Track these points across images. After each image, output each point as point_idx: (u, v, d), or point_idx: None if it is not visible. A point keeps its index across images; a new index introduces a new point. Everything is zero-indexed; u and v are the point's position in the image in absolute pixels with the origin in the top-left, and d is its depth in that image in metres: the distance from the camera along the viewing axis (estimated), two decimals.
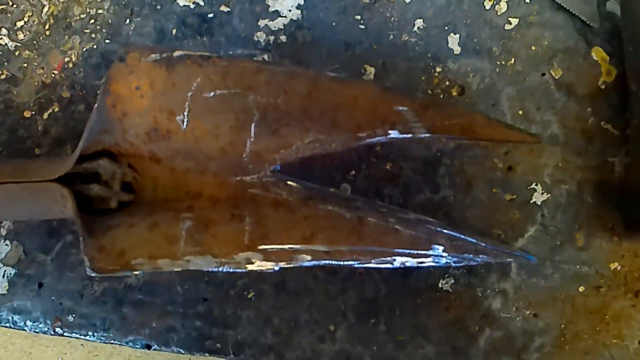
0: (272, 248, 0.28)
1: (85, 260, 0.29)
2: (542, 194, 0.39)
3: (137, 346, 0.41)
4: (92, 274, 0.29)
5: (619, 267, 0.37)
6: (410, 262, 0.31)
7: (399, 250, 0.31)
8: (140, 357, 1.48)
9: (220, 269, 0.28)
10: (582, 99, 0.40)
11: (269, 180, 0.31)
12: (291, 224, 0.29)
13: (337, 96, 0.30)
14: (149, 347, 0.41)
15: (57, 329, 0.42)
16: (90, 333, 0.41)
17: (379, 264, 0.30)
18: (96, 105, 0.30)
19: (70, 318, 0.42)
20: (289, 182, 0.31)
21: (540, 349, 0.37)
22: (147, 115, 0.30)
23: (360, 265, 0.30)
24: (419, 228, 0.31)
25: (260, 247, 0.28)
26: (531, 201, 0.39)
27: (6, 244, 0.44)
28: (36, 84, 0.45)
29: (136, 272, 0.30)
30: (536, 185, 0.39)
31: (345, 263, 0.29)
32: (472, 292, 0.38)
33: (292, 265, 0.29)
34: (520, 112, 0.40)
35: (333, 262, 0.29)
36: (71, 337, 0.42)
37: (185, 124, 0.30)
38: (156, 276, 0.41)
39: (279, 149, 0.30)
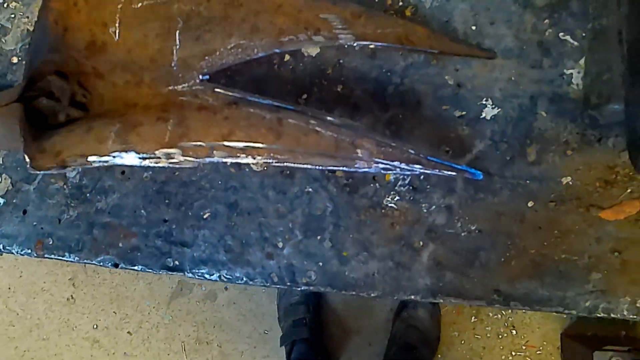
0: (191, 145, 0.30)
1: (25, 158, 0.31)
2: (493, 108, 0.38)
3: (108, 265, 0.44)
4: (32, 171, 0.31)
5: (572, 181, 0.36)
6: (335, 165, 0.32)
7: (319, 152, 0.31)
8: (167, 324, 1.54)
9: (142, 163, 0.30)
10: (539, 11, 0.38)
11: (198, 88, 0.32)
12: (211, 123, 0.30)
13: (259, 3, 0.31)
14: (116, 265, 0.44)
15: (39, 252, 0.45)
16: (66, 254, 0.45)
17: (301, 164, 0.31)
18: (37, 20, 0.32)
19: (50, 241, 0.45)
20: (216, 90, 0.32)
21: (485, 264, 0.36)
22: (85, 29, 0.32)
23: (279, 164, 0.31)
24: (342, 131, 0.31)
25: (179, 144, 0.30)
26: (481, 117, 0.38)
27: None
28: (22, 31, 0.49)
29: (70, 168, 0.33)
30: (487, 100, 0.38)
31: (263, 160, 0.30)
32: (417, 207, 0.38)
33: (210, 161, 0.30)
34: (474, 28, 0.39)
35: (249, 159, 0.30)
36: (51, 258, 0.45)
37: (117, 35, 0.32)
38: (123, 200, 0.43)
39: (203, 56, 0.31)
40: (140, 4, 0.31)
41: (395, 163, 0.33)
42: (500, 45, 0.38)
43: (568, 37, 0.37)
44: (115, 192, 0.44)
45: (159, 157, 0.30)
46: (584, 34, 0.37)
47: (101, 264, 0.44)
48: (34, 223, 0.46)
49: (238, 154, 0.30)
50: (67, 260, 0.45)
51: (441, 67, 0.39)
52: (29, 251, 0.46)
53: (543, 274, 0.35)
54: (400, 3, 0.40)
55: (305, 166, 0.31)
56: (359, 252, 0.38)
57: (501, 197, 0.37)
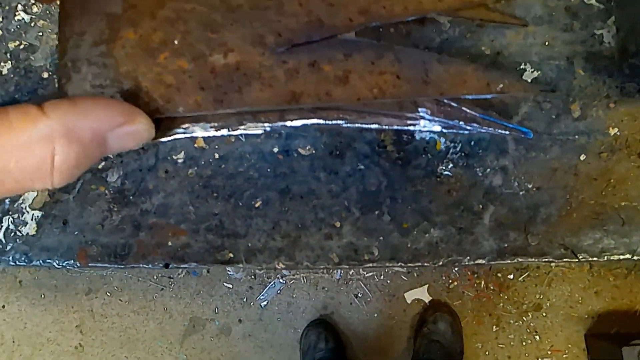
0: (261, 109, 0.30)
1: None
2: (532, 72, 0.39)
3: (158, 266, 0.43)
4: None
5: (619, 131, 0.37)
6: (399, 125, 0.32)
7: (384, 111, 0.32)
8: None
9: (213, 134, 0.30)
10: None
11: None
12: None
13: None
14: (167, 265, 0.43)
15: (82, 261, 0.44)
16: (112, 260, 0.44)
17: (365, 124, 0.31)
18: None
19: (94, 249, 0.44)
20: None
21: (547, 220, 0.37)
22: None
23: (347, 125, 0.31)
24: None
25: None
26: (522, 79, 0.39)
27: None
28: (51, 47, 0.50)
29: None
30: (525, 65, 0.39)
31: (333, 122, 0.31)
32: (471, 172, 0.38)
33: (281, 125, 0.30)
34: (503, 0, 0.41)
35: (320, 120, 0.30)
36: (95, 267, 0.44)
37: None
38: (169, 198, 0.43)
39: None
40: None
41: (454, 122, 0.34)
42: (530, 14, 0.40)
43: (593, 1, 0.40)
44: (160, 192, 0.43)
45: (231, 124, 0.30)
46: None
47: (150, 265, 0.43)
48: (75, 232, 0.45)
49: (309, 117, 0.30)
50: (112, 267, 0.44)
51: (476, 39, 0.41)
52: (72, 262, 0.45)
53: (605, 223, 0.36)
54: None
55: (372, 126, 0.32)
56: (419, 222, 0.38)
57: (552, 154, 0.37)
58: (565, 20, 0.40)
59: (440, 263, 0.37)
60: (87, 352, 1.42)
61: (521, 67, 0.39)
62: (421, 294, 1.21)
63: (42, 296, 1.42)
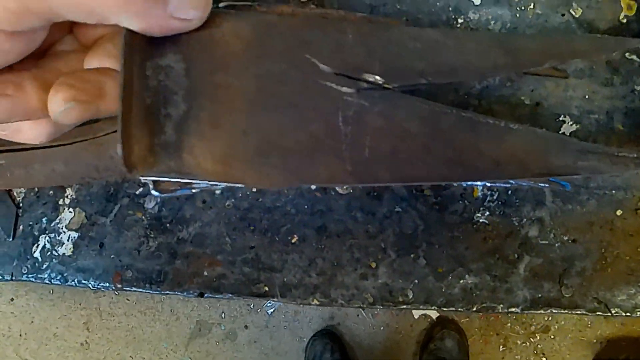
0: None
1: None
2: (572, 125, 0.40)
3: (192, 295, 0.44)
4: (157, 194, 0.32)
5: None
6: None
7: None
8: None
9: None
10: (605, 33, 0.41)
11: None
12: None
13: None
14: (202, 294, 0.44)
15: (118, 284, 0.45)
16: (147, 285, 0.45)
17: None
18: None
19: (129, 273, 0.45)
20: None
21: (581, 272, 0.37)
22: None
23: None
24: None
25: None
26: (560, 133, 0.40)
27: (70, 211, 0.48)
28: None
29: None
30: (564, 117, 0.40)
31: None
32: (508, 221, 0.39)
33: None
34: None
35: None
36: (130, 291, 0.45)
37: None
38: (205, 229, 0.44)
39: None
40: None
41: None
42: (571, 67, 0.41)
43: (634, 57, 0.40)
44: (196, 222, 0.44)
45: None
46: None
47: (185, 294, 0.44)
48: (112, 256, 0.46)
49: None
50: (147, 292, 0.45)
51: (516, 88, 0.41)
52: (107, 284, 0.46)
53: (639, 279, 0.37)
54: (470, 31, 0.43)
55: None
56: (455, 268, 0.39)
57: (589, 207, 0.38)
58: (605, 75, 0.40)
59: (474, 309, 0.38)
60: (93, 349, 1.44)
61: (560, 119, 0.40)
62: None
63: (51, 291, 1.43)
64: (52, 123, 0.26)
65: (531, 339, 1.14)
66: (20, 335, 1.44)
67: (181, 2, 0.24)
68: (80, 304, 1.43)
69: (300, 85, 0.32)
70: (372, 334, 1.27)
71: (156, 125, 0.29)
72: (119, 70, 0.27)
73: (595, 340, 1.10)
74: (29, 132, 0.25)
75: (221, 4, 0.33)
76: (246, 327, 1.37)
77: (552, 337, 1.13)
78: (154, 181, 0.32)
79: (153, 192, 0.31)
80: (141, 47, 0.28)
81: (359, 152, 0.31)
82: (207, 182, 0.31)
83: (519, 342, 1.15)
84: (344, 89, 0.32)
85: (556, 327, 1.12)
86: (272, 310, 1.35)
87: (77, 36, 0.28)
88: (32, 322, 1.44)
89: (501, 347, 1.17)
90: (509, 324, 1.16)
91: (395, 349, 1.25)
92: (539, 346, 1.15)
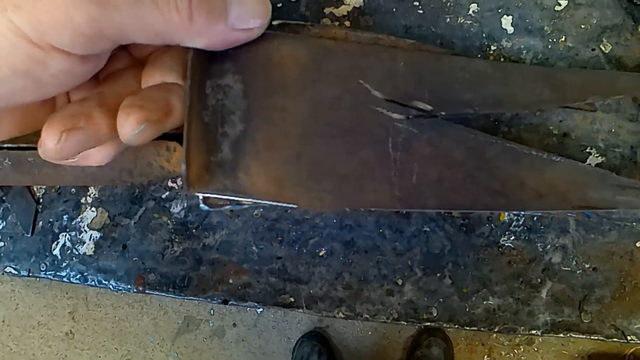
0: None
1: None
2: (597, 157, 0.41)
3: (215, 301, 0.44)
4: (205, 208, 0.32)
5: None
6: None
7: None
8: None
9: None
10: (631, 71, 0.42)
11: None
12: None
13: None
14: (226, 302, 0.44)
15: (140, 287, 0.45)
16: (170, 290, 0.45)
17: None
18: None
19: (152, 277, 0.45)
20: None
21: (600, 300, 0.39)
22: None
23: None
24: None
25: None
26: (586, 164, 0.41)
27: (92, 210, 0.47)
28: None
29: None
30: (591, 149, 0.42)
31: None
32: (532, 247, 0.40)
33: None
34: None
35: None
36: (152, 294, 0.45)
37: None
38: (232, 237, 0.44)
39: None
40: None
41: None
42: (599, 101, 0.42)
43: None
44: (223, 229, 0.45)
45: None
46: None
47: (209, 300, 0.44)
48: (135, 258, 0.46)
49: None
50: (170, 297, 0.45)
51: (545, 118, 0.43)
52: (128, 287, 0.46)
53: None
54: (502, 59, 0.44)
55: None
56: (479, 289, 0.40)
57: (611, 238, 0.40)
58: (631, 111, 0.42)
59: (496, 330, 0.39)
60: (78, 339, 1.42)
61: (587, 150, 0.42)
62: None
63: (37, 279, 1.41)
64: (117, 144, 0.26)
65: (515, 351, 1.18)
66: (3, 321, 1.41)
67: (241, 13, 0.24)
68: (67, 293, 1.41)
69: (353, 110, 0.32)
70: (360, 338, 1.28)
71: (213, 143, 0.30)
72: (183, 86, 0.27)
73: (577, 355, 1.13)
74: (97, 156, 0.25)
75: (274, 22, 0.34)
76: (234, 325, 1.37)
77: (536, 349, 1.16)
78: (204, 196, 0.32)
79: (202, 206, 0.32)
80: (203, 66, 0.28)
81: (407, 179, 0.32)
82: (259, 200, 0.31)
83: (503, 353, 1.18)
84: (395, 115, 0.33)
85: (540, 340, 1.15)
86: (261, 309, 1.36)
87: (131, 51, 0.28)
88: (15, 308, 1.41)
89: (486, 357, 1.20)
90: (495, 335, 1.19)
91: (382, 355, 1.26)
92: (522, 358, 1.18)
